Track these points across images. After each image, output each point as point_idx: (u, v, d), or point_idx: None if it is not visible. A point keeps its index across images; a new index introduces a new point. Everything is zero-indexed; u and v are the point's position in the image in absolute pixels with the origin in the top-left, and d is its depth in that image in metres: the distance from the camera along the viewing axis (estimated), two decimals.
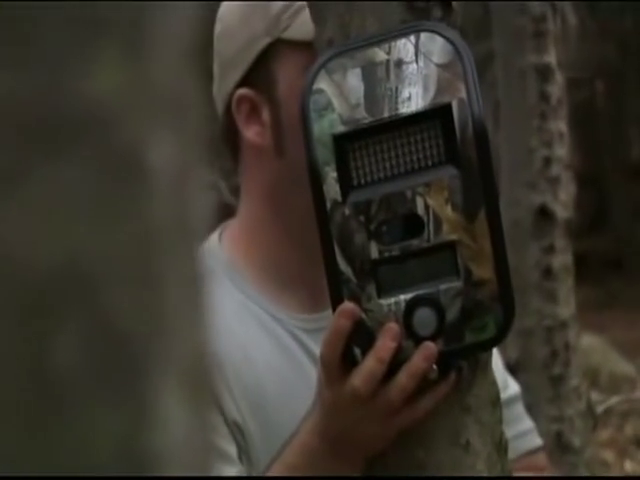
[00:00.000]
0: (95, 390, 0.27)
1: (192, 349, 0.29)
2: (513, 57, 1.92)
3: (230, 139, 1.28)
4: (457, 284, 1.01)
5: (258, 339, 1.23)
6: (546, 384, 1.94)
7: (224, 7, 1.29)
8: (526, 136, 1.91)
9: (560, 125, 1.92)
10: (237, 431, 1.19)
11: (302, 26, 1.18)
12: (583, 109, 9.52)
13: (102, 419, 0.27)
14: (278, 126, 1.21)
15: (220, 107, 1.28)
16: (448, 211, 1.01)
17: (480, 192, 1.00)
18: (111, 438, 0.27)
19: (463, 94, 1.00)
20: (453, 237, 1.01)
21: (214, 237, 1.30)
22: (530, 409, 1.98)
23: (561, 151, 1.92)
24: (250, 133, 1.24)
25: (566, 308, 1.93)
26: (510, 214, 1.97)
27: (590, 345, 6.26)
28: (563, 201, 1.93)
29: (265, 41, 1.22)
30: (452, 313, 1.01)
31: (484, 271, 1.01)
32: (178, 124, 0.28)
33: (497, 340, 1.03)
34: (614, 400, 4.20)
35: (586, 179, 9.86)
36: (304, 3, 1.16)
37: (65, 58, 0.26)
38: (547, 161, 1.91)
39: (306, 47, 1.15)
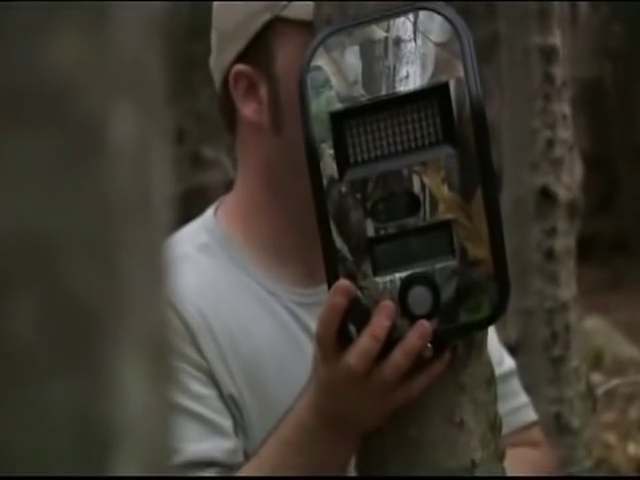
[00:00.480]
0: (52, 360, 0.27)
1: (150, 321, 0.29)
2: (517, 38, 1.91)
3: (227, 114, 1.28)
4: (452, 263, 1.01)
5: (256, 314, 1.23)
6: (546, 365, 1.94)
7: None
8: (529, 117, 1.91)
9: (564, 107, 1.91)
10: (233, 405, 1.20)
11: (302, 6, 1.17)
12: (592, 90, 9.48)
13: (58, 388, 0.28)
14: (276, 104, 1.21)
15: (217, 81, 1.28)
16: (444, 190, 1.01)
17: (477, 172, 1.00)
18: (68, 407, 0.28)
19: (461, 73, 1.00)
20: (449, 216, 1.01)
21: (209, 212, 1.30)
22: (530, 390, 1.98)
23: (565, 133, 1.92)
24: (247, 110, 1.24)
25: (567, 290, 1.93)
26: (512, 195, 1.97)
27: (594, 327, 6.26)
28: (566, 183, 1.93)
29: (265, 17, 1.22)
30: (447, 292, 1.01)
31: (480, 251, 1.01)
32: (140, 97, 0.28)
33: (492, 320, 1.03)
34: (616, 382, 4.21)
35: (594, 161, 9.83)
36: None
37: (26, 31, 0.26)
38: (550, 143, 1.91)
39: (306, 26, 1.14)
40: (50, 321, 0.28)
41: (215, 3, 1.29)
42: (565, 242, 1.93)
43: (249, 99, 1.24)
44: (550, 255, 1.92)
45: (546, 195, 1.91)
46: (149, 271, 0.30)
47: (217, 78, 1.28)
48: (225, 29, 1.26)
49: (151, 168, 0.29)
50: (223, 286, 1.24)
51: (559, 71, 1.90)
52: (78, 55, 0.27)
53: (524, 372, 1.99)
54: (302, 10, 1.18)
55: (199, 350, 1.19)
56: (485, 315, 1.02)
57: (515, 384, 1.39)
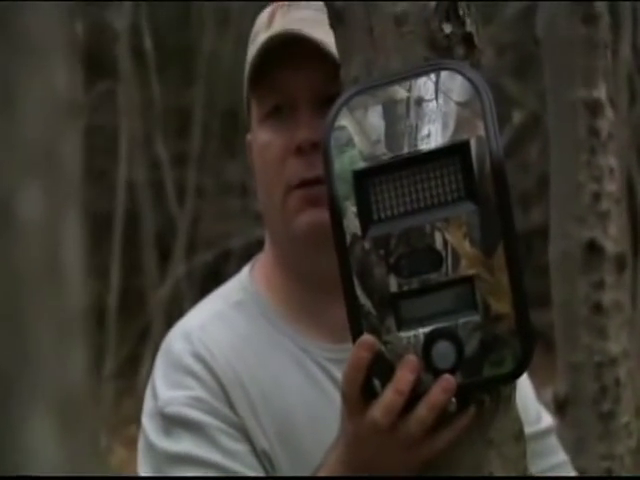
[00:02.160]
0: None
1: (61, 382, 0.31)
2: (562, 91, 1.92)
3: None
4: (475, 318, 1.02)
5: (287, 369, 1.25)
6: (595, 420, 1.92)
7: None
8: (575, 171, 1.91)
9: (610, 160, 1.91)
10: (266, 459, 1.21)
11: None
12: None
13: None
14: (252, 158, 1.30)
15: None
16: (466, 246, 1.02)
17: (498, 228, 1.01)
18: None
19: (482, 132, 1.01)
20: (471, 272, 1.02)
21: (245, 270, 1.34)
22: (579, 445, 1.96)
23: (611, 186, 1.91)
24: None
25: (616, 344, 1.92)
26: (559, 248, 1.96)
27: None
28: (613, 236, 1.92)
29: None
30: (471, 347, 1.02)
31: (502, 305, 1.02)
32: (49, 176, 0.30)
33: (516, 374, 1.04)
34: None
35: None
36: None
37: None
38: (596, 196, 1.91)
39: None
40: None
41: None
42: (613, 295, 1.92)
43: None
44: (598, 309, 1.91)
45: (593, 248, 1.90)
46: (59, 335, 0.32)
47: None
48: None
49: (61, 242, 0.31)
50: (255, 342, 1.26)
51: (604, 124, 1.90)
52: None
53: (574, 427, 1.98)
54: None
55: (231, 406, 1.21)
56: (509, 369, 1.02)
57: (553, 441, 1.38)
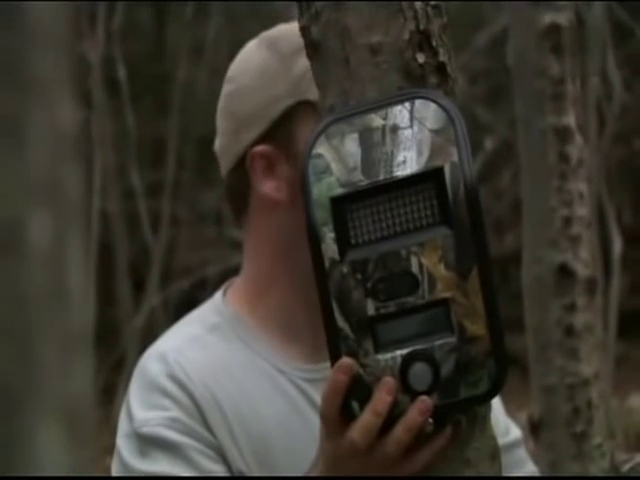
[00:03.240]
0: None
1: (64, 397, 0.33)
2: (533, 119, 1.96)
3: (239, 195, 1.33)
4: (451, 340, 1.05)
5: (264, 391, 1.27)
6: (569, 442, 1.95)
7: (235, 68, 1.36)
8: (546, 196, 1.95)
9: (580, 185, 1.95)
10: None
11: None
12: (628, 166, 9.48)
13: None
14: (295, 180, 1.26)
15: (230, 162, 1.33)
16: (442, 269, 1.05)
17: (472, 251, 1.04)
18: None
19: (455, 158, 1.04)
20: (447, 294, 1.05)
21: (218, 294, 1.35)
22: (553, 466, 1.98)
23: (582, 211, 1.95)
24: (266, 187, 1.29)
25: (588, 366, 1.95)
26: (532, 272, 1.99)
27: (638, 405, 6.16)
28: (584, 260, 1.95)
29: (289, 101, 1.28)
30: (447, 368, 1.05)
31: (477, 327, 1.04)
32: (54, 204, 0.32)
33: (491, 394, 1.06)
34: None
35: (636, 236, 9.76)
36: None
37: None
38: (567, 220, 1.94)
39: None
40: None
41: (226, 90, 1.36)
42: (585, 318, 1.95)
43: (268, 177, 1.29)
44: (570, 331, 1.94)
45: (565, 272, 1.93)
46: (63, 353, 0.34)
47: (229, 160, 1.33)
48: (242, 113, 1.31)
49: (66, 266, 0.33)
50: (232, 365, 1.28)
51: (574, 150, 1.94)
52: None
53: (548, 448, 2.00)
54: None
55: (208, 427, 1.23)
56: (485, 390, 1.05)
57: (522, 453, 1.41)
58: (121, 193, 8.52)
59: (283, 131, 1.28)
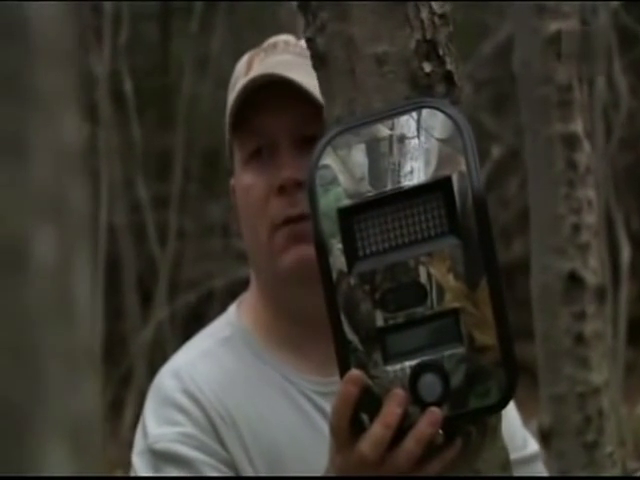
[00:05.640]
0: None
1: (71, 413, 0.33)
2: (540, 126, 1.96)
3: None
4: (461, 350, 1.04)
5: (275, 403, 1.27)
6: (580, 451, 1.94)
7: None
8: (554, 203, 1.94)
9: (589, 192, 1.94)
10: None
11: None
12: (635, 173, 9.45)
13: None
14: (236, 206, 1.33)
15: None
16: (450, 280, 1.04)
17: (481, 261, 1.03)
18: None
19: (463, 167, 1.04)
20: (456, 305, 1.04)
21: (233, 307, 1.36)
22: (565, 475, 1.97)
23: (590, 218, 1.94)
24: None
25: (599, 374, 1.94)
26: (540, 280, 1.99)
27: None
28: (593, 267, 1.95)
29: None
30: (456, 379, 1.04)
31: (487, 337, 1.03)
32: (59, 220, 0.32)
33: (501, 405, 1.05)
34: None
35: None
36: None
37: None
38: (576, 228, 1.93)
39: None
40: None
41: None
42: (595, 326, 1.94)
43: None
44: (580, 339, 1.93)
45: (573, 280, 1.93)
46: (69, 370, 0.33)
47: None
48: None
49: (72, 281, 0.33)
50: (243, 378, 1.28)
51: (582, 157, 1.94)
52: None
53: (559, 458, 1.99)
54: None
55: (221, 442, 1.23)
56: (495, 400, 1.04)
57: (540, 467, 1.40)
58: (128, 206, 8.53)
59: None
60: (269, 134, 1.26)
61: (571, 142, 1.93)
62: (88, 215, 0.33)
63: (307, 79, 1.20)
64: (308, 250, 1.15)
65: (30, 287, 0.32)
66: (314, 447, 1.23)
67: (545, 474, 1.41)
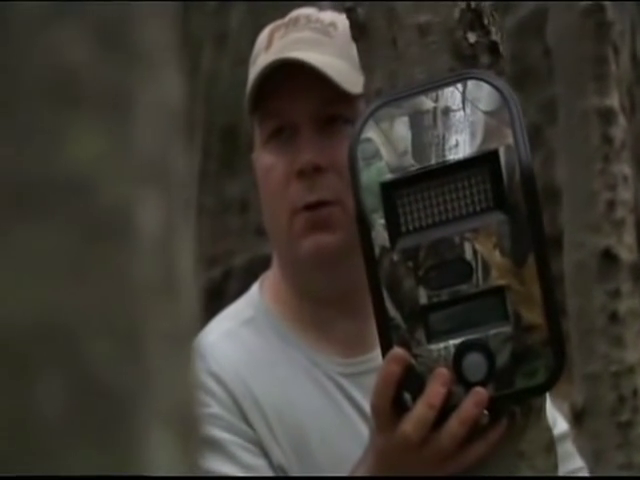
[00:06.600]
0: (79, 438, 0.29)
1: (175, 399, 0.30)
2: (574, 100, 1.92)
3: None
4: (507, 329, 1.01)
5: (299, 384, 1.25)
6: (614, 430, 1.91)
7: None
8: (589, 179, 1.91)
9: (624, 168, 1.90)
10: (282, 474, 1.21)
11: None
12: None
13: (87, 466, 0.29)
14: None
15: None
16: (497, 256, 1.01)
17: (528, 237, 1.00)
18: None
19: (510, 140, 1.01)
20: (502, 282, 1.01)
21: (255, 287, 1.34)
22: (598, 455, 1.95)
23: (625, 194, 1.91)
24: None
25: (634, 352, 1.91)
26: (574, 257, 1.95)
27: None
28: (628, 244, 1.91)
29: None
30: (502, 358, 1.01)
31: (534, 316, 1.01)
32: (163, 186, 0.29)
33: (548, 385, 1.03)
34: None
35: None
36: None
37: (49, 125, 0.28)
38: (611, 204, 1.90)
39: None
40: (76, 402, 0.29)
41: None
42: (630, 304, 1.91)
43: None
44: (614, 318, 1.90)
45: (608, 257, 1.89)
46: (173, 351, 0.31)
47: None
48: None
49: (176, 252, 0.31)
50: (267, 358, 1.27)
51: (618, 132, 1.90)
52: (101, 148, 0.28)
53: (592, 438, 1.96)
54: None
55: (247, 421, 1.22)
56: (541, 380, 1.01)
57: (569, 447, 1.37)
58: None
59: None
60: (288, 115, 1.25)
61: (607, 116, 1.89)
62: (189, 182, 0.31)
63: (327, 59, 1.20)
64: (326, 238, 1.20)
65: (136, 260, 0.29)
66: (339, 428, 1.22)
67: (574, 453, 1.39)
